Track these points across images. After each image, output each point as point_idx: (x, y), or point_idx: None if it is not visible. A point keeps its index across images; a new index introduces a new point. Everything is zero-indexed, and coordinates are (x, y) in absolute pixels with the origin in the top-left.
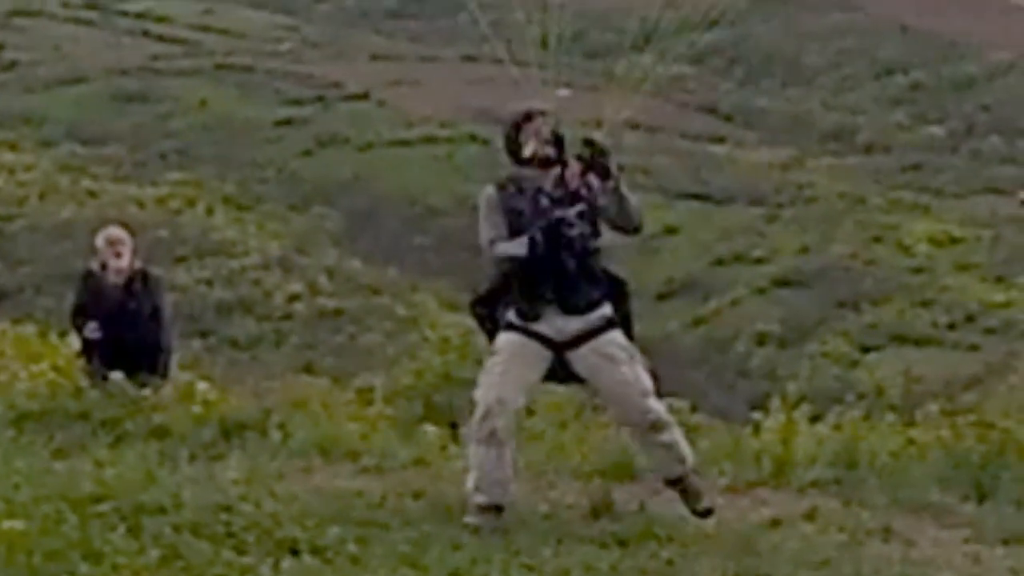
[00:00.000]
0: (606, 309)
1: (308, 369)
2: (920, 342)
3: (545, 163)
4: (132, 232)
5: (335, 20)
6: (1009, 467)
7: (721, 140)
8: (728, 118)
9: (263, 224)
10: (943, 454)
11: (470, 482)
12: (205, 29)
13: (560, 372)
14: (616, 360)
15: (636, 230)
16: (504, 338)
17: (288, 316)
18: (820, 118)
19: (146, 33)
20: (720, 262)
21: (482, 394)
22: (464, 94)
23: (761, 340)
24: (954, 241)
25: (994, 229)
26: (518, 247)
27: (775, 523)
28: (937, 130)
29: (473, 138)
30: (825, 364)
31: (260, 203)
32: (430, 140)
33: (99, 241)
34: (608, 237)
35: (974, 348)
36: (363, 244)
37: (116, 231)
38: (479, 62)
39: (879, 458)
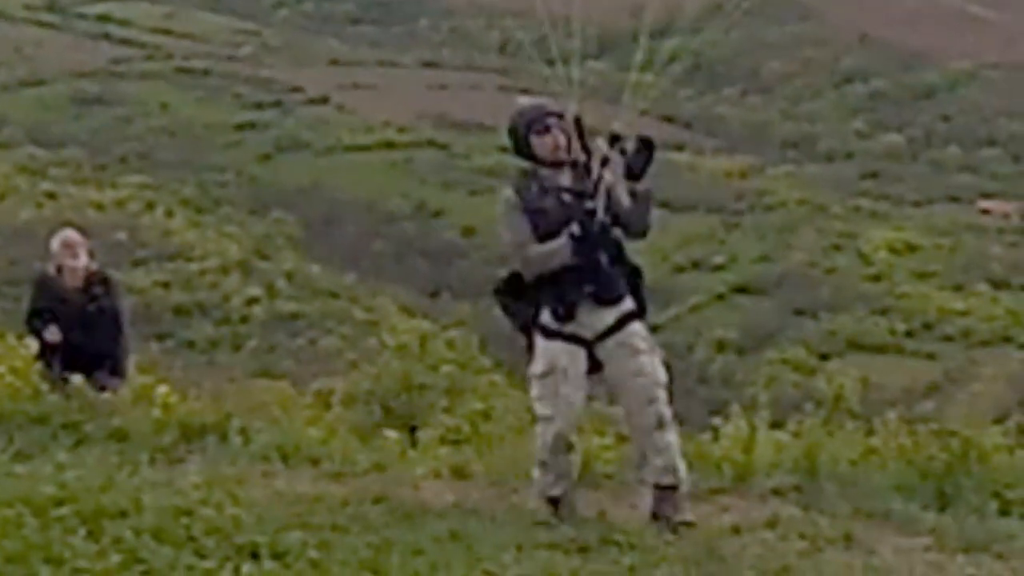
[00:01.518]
0: (629, 301)
1: (266, 373)
2: (878, 350)
3: (559, 163)
4: (87, 236)
5: (295, 25)
6: (971, 475)
7: (681, 148)
8: (688, 126)
9: (222, 228)
10: (904, 462)
11: (539, 479)
12: (166, 33)
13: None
14: (638, 350)
15: (643, 234)
16: (547, 349)
17: (246, 320)
18: (780, 126)
19: (107, 36)
20: (680, 269)
21: (547, 414)
22: (423, 99)
23: (720, 347)
24: (913, 249)
25: (953, 237)
26: (560, 253)
27: (736, 530)
28: (897, 138)
29: (432, 144)
30: (784, 371)
31: (219, 207)
32: (389, 145)
33: (54, 244)
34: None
35: (932, 356)
36: (322, 249)
37: (71, 233)
38: (438, 68)
39: (840, 466)
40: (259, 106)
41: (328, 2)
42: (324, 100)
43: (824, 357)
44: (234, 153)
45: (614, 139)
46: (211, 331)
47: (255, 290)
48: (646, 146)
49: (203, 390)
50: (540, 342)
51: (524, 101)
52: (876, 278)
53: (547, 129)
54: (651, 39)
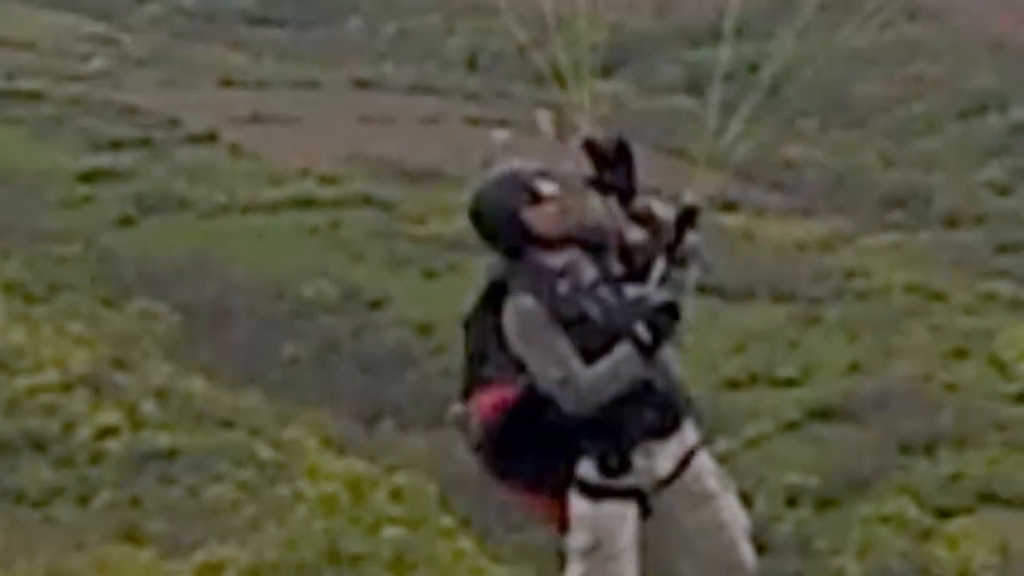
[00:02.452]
0: (690, 425)
1: (129, 535)
2: (1022, 503)
3: (569, 240)
4: None
5: (168, 27)
6: None
7: (733, 207)
8: (746, 176)
9: (62, 324)
10: None
11: None
12: None
13: None
14: (710, 495)
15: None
16: (594, 515)
17: (98, 459)
18: (878, 176)
19: None
20: (732, 384)
21: None
22: (356, 136)
23: (792, 498)
24: None
25: None
26: (630, 368)
27: None
28: None
29: (369, 201)
30: (885, 533)
31: (57, 294)
32: (306, 203)
33: None
34: None
35: None
36: (208, 354)
37: None
38: (377, 90)
39: None
40: (116, 146)
41: None
42: (211, 137)
43: (944, 514)
44: (80, 215)
45: (688, 214)
46: (47, 476)
47: (111, 416)
48: (687, 216)
49: (36, 562)
50: (581, 505)
51: (496, 163)
52: (1020, 398)
53: (539, 198)
54: (700, 49)
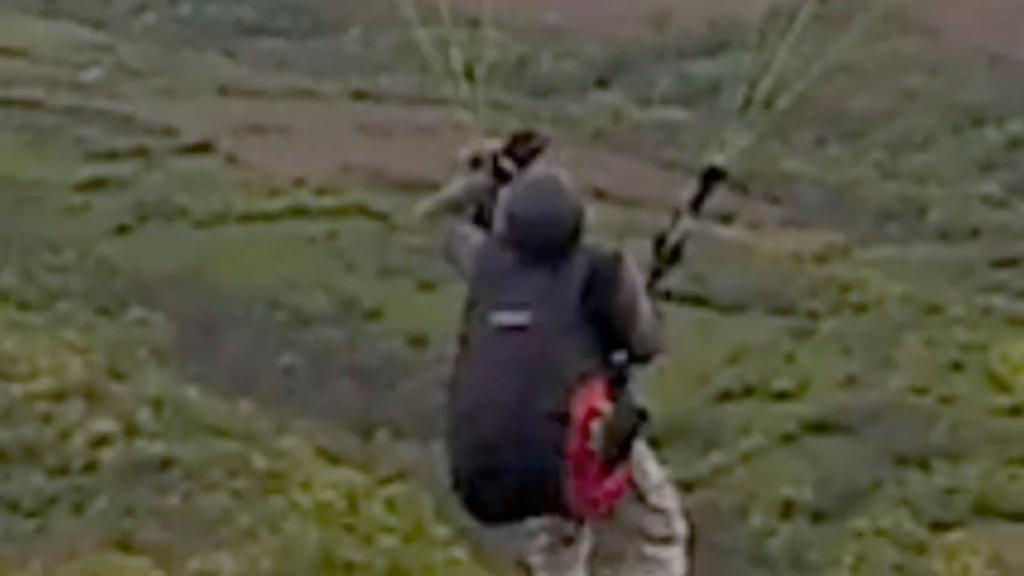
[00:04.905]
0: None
1: (122, 545)
2: (1018, 516)
3: None
4: None
5: (165, 37)
6: None
7: (728, 219)
8: (741, 187)
9: (57, 333)
10: None
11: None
12: None
13: None
14: None
15: None
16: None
17: (93, 468)
18: (874, 189)
19: None
20: (726, 397)
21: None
22: (353, 147)
23: (787, 511)
24: None
25: None
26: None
27: None
28: None
29: (364, 212)
30: (881, 546)
31: (54, 303)
32: (302, 214)
33: None
34: None
35: None
36: (203, 364)
37: None
38: (376, 100)
39: None
40: (112, 156)
41: (214, 4)
42: (208, 147)
43: (939, 527)
44: (76, 224)
45: (712, 175)
46: (42, 484)
47: (106, 424)
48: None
49: (30, 571)
50: (640, 444)
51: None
52: (1015, 411)
53: None
54: (681, 57)
